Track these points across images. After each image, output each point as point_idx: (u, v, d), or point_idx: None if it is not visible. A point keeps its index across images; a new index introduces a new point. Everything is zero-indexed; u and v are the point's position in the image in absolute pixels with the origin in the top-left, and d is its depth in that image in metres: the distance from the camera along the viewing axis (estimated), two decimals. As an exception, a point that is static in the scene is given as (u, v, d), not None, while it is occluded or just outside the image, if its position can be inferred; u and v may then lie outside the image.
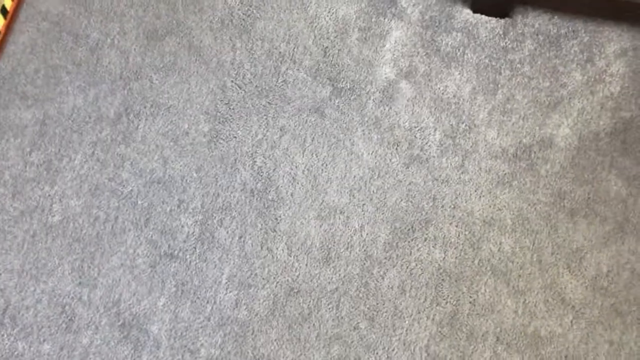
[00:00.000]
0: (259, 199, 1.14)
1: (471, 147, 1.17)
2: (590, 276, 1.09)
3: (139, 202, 1.13)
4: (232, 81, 1.21)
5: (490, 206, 1.14)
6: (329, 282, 1.09)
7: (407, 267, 1.10)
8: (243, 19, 1.25)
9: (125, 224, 1.12)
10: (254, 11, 1.26)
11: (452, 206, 1.14)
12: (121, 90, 1.21)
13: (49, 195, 1.13)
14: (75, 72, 1.21)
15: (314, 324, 1.07)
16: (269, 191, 1.14)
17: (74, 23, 1.24)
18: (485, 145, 1.17)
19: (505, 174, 1.16)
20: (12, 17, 1.23)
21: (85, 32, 1.24)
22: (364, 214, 1.13)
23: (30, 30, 1.23)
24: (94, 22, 1.25)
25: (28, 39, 1.23)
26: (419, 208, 1.14)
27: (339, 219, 1.13)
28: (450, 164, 1.16)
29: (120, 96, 1.20)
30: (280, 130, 1.19)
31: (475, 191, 1.15)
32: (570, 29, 1.24)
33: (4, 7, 1.23)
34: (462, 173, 1.16)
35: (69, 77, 1.21)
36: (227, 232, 1.11)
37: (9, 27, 1.23)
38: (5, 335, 1.06)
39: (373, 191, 1.15)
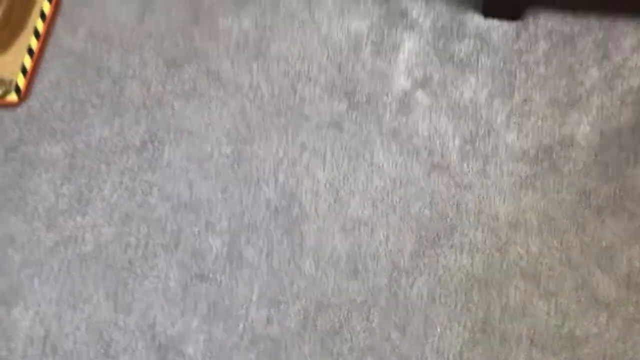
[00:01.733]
0: (283, 215, 1.16)
1: (491, 151, 1.17)
2: (623, 273, 1.08)
3: (168, 227, 1.16)
4: (250, 102, 1.24)
5: (515, 209, 1.14)
6: (358, 295, 1.10)
7: (435, 275, 1.10)
8: (258, 42, 1.28)
9: (155, 248, 1.15)
10: (268, 33, 1.29)
11: (477, 211, 1.14)
12: (145, 119, 1.24)
13: (82, 225, 1.17)
14: (100, 105, 1.26)
15: (345, 337, 1.08)
16: (293, 207, 1.16)
17: (96, 58, 1.29)
18: (506, 148, 1.17)
19: (528, 175, 1.15)
20: (38, 56, 1.28)
21: (108, 65, 1.28)
22: (388, 224, 1.14)
23: (56, 67, 1.28)
24: (115, 55, 1.29)
25: (54, 76, 1.28)
26: (443, 215, 1.14)
27: (364, 230, 1.14)
28: (472, 169, 1.16)
29: (144, 124, 1.24)
30: (301, 146, 1.21)
31: (499, 195, 1.15)
32: (583, 26, 1.24)
33: (30, 47, 1.29)
34: (484, 178, 1.16)
35: (94, 110, 1.25)
36: (255, 251, 1.13)
37: (35, 66, 1.28)
38: (47, 364, 1.10)
39: (396, 201, 1.15)
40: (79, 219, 1.18)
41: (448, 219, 1.14)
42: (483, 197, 1.14)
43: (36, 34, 1.29)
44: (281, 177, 1.18)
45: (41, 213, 1.19)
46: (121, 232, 1.16)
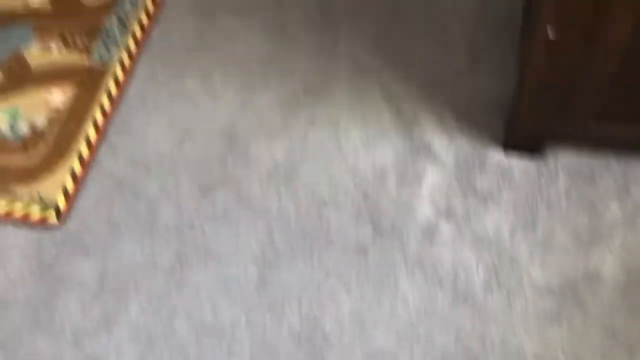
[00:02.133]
0: (306, 343, 1.15)
1: (515, 284, 1.17)
2: (659, 418, 1.03)
3: (191, 351, 1.16)
4: (278, 227, 1.28)
5: (540, 344, 1.12)
6: None
7: (461, 413, 1.07)
8: (288, 170, 1.34)
9: (177, 374, 1.14)
10: (298, 162, 1.35)
11: (502, 346, 1.12)
12: (175, 241, 1.28)
13: (106, 347, 1.18)
14: (133, 226, 1.31)
15: None
16: (316, 335, 1.16)
17: (134, 182, 1.36)
18: (530, 281, 1.17)
19: (553, 310, 1.14)
20: (80, 181, 1.36)
21: (144, 189, 1.35)
22: (412, 356, 1.12)
23: (95, 190, 1.35)
24: (153, 179, 1.36)
25: (93, 198, 1.35)
26: (468, 349, 1.12)
27: (387, 362, 1.12)
28: (496, 302, 1.16)
29: (174, 246, 1.28)
30: (325, 272, 1.22)
31: (524, 329, 1.13)
32: (602, 162, 1.28)
33: (73, 171, 1.37)
34: (508, 311, 1.15)
35: (127, 231, 1.30)
36: (276, 380, 1.12)
37: (76, 190, 1.35)
38: None
39: (420, 333, 1.14)
40: (104, 339, 1.19)
41: (473, 353, 1.12)
42: (508, 332, 1.13)
43: (80, 159, 1.38)
44: (305, 303, 1.19)
45: (67, 332, 1.20)
46: (144, 355, 1.16)
